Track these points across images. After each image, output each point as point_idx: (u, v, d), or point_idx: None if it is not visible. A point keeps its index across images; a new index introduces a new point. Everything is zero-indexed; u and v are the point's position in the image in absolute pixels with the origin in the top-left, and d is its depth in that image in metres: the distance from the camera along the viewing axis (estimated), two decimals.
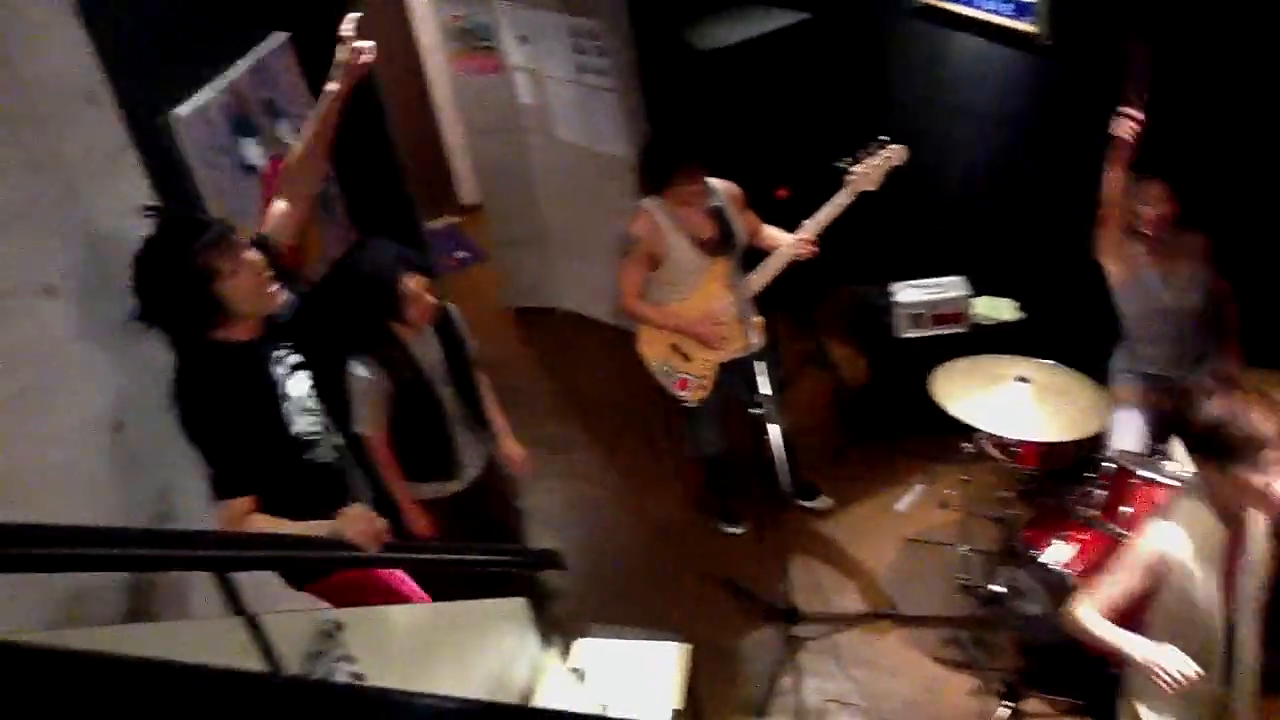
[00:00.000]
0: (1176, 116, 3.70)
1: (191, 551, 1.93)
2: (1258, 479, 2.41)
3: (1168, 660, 2.44)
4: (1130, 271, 3.82)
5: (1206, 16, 3.66)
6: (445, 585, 3.06)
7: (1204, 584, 2.57)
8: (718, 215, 3.92)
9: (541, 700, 2.97)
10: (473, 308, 6.46)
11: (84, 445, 2.58)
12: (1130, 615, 2.71)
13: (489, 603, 2.80)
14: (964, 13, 4.61)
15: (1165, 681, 2.42)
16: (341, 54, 2.92)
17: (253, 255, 2.61)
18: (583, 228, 5.92)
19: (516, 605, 2.88)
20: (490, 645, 2.86)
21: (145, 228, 2.54)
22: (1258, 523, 2.57)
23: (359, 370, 3.29)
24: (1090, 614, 2.68)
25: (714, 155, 4.00)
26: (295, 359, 2.84)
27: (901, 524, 4.58)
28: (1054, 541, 3.69)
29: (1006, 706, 3.65)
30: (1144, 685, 2.67)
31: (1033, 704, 3.65)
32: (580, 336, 6.16)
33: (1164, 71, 3.56)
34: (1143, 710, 2.75)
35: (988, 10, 4.48)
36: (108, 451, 2.64)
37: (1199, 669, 2.43)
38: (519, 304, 6.44)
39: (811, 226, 3.95)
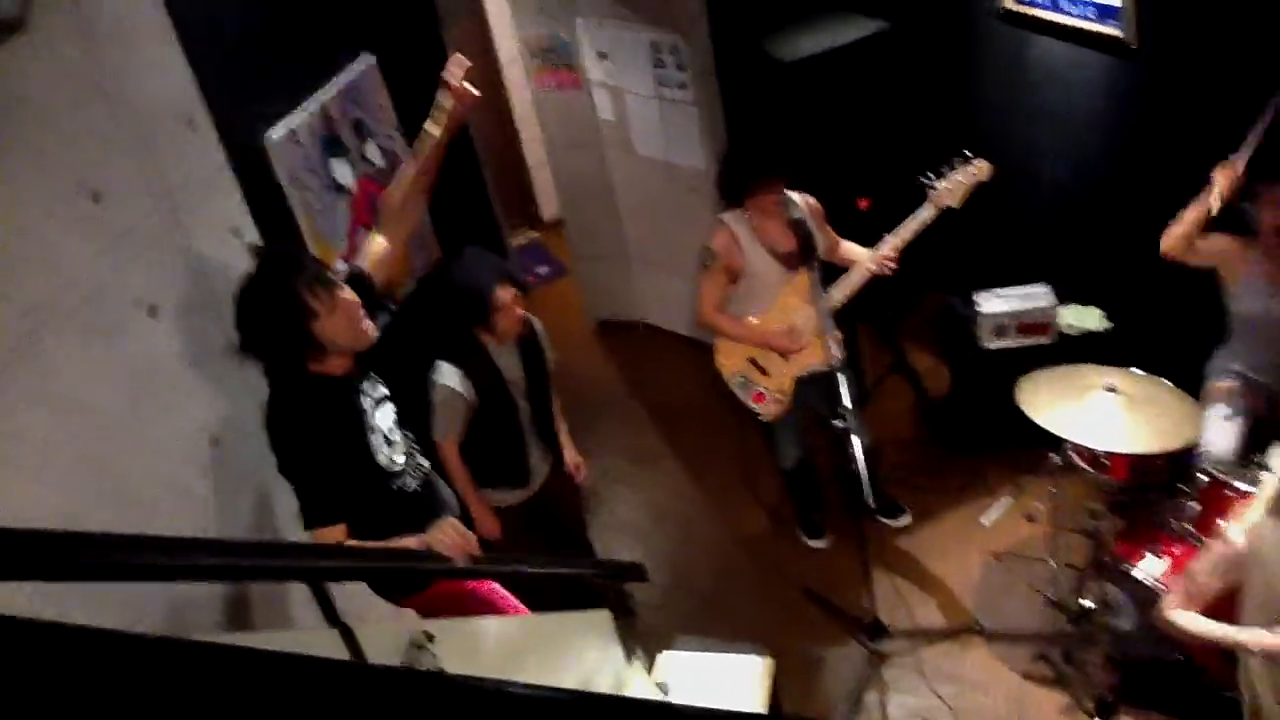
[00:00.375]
0: None
1: (290, 562, 1.98)
2: None
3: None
4: (1241, 273, 3.73)
5: None
6: (529, 597, 3.11)
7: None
8: (797, 228, 3.91)
9: None
10: (555, 321, 6.55)
11: (185, 459, 2.68)
12: (1218, 612, 2.69)
13: (574, 615, 2.84)
14: (1049, 18, 4.54)
15: None
16: (445, 99, 2.87)
17: (348, 295, 2.65)
18: (663, 241, 5.95)
19: (601, 618, 2.90)
20: (575, 658, 2.90)
21: (243, 254, 2.63)
22: None
23: (444, 378, 3.36)
24: (1187, 614, 2.66)
25: (795, 167, 4.00)
26: (382, 391, 2.90)
27: (987, 538, 4.51)
28: (1146, 555, 3.61)
29: None
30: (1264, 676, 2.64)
31: None
32: (662, 349, 6.19)
33: None
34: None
35: (1073, 15, 4.41)
36: (208, 466, 2.74)
37: None
38: (601, 317, 6.50)
39: (892, 242, 3.92)
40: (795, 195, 4.02)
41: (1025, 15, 4.68)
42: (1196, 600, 2.73)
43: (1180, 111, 4.16)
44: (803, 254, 3.94)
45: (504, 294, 3.31)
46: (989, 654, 4.01)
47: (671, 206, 5.75)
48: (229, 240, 2.87)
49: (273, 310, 2.53)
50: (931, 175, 3.83)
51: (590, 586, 3.39)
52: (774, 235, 3.97)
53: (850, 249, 4.14)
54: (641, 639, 3.77)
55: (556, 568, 2.98)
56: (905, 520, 4.65)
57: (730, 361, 4.21)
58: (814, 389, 4.09)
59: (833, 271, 4.10)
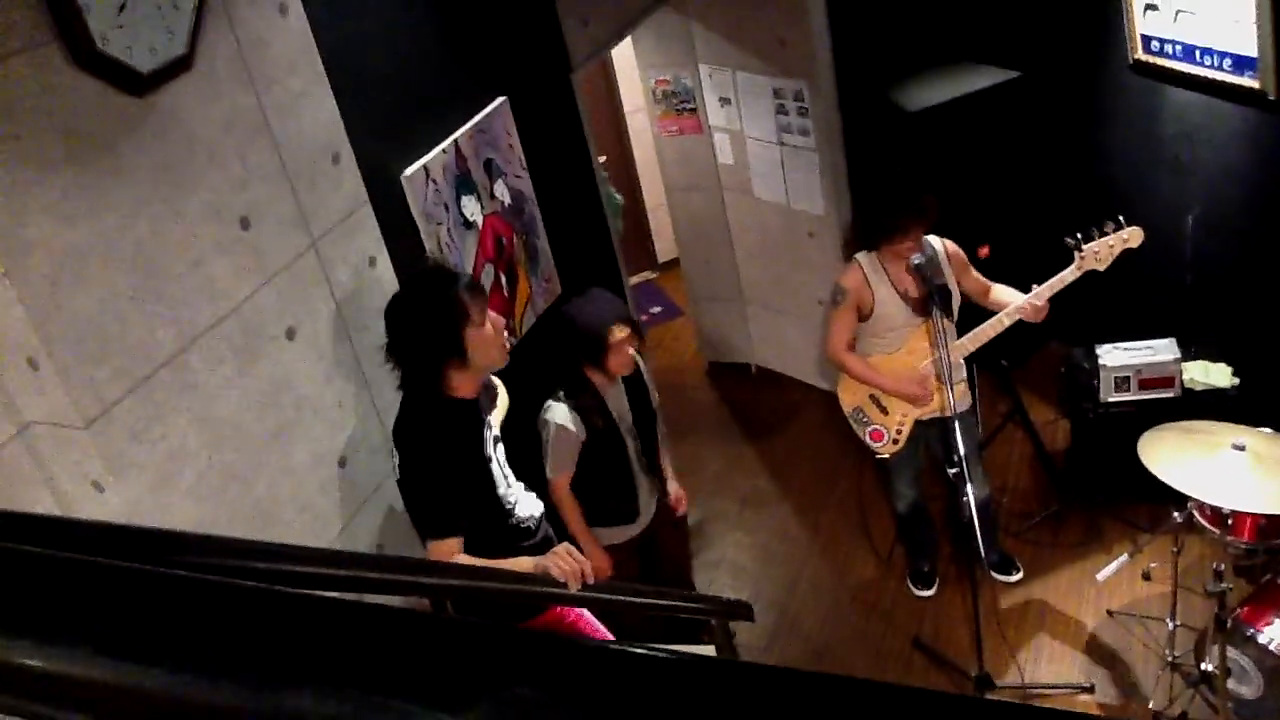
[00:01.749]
0: None
1: (414, 578, 2.06)
2: None
3: None
4: None
5: None
6: (632, 632, 3.16)
7: None
8: (922, 272, 3.90)
9: None
10: (668, 361, 6.67)
11: (313, 480, 2.80)
12: None
13: (680, 650, 2.87)
14: (1182, 69, 4.47)
15: None
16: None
17: (495, 313, 2.80)
18: (777, 285, 5.99)
19: (706, 654, 2.93)
20: None
21: (377, 282, 2.76)
22: None
23: (556, 416, 3.45)
24: None
25: (938, 213, 3.98)
26: (497, 431, 3.01)
27: (1103, 595, 4.40)
28: (1274, 620, 3.48)
29: None
30: None
31: None
32: (774, 392, 6.21)
33: None
34: None
35: (1207, 67, 4.34)
36: (334, 486, 2.86)
37: None
38: (714, 358, 6.55)
39: (1034, 299, 3.85)
40: (935, 240, 4.02)
41: (1157, 66, 4.62)
42: None
43: None
44: (932, 298, 3.94)
45: (619, 333, 3.40)
46: (1102, 715, 3.90)
47: (787, 251, 5.79)
48: (364, 270, 3.00)
49: (434, 307, 2.68)
50: (1079, 236, 3.78)
51: (693, 625, 3.42)
52: (906, 279, 3.97)
53: (1001, 293, 4.06)
54: None
55: (664, 600, 3.01)
56: (1017, 576, 4.56)
57: (851, 397, 4.21)
58: (934, 433, 4.07)
59: (967, 320, 4.07)
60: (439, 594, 2.01)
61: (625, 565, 3.66)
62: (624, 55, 6.63)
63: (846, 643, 4.46)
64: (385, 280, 3.07)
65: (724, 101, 5.71)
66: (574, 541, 3.35)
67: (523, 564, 2.65)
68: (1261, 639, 3.44)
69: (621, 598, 2.86)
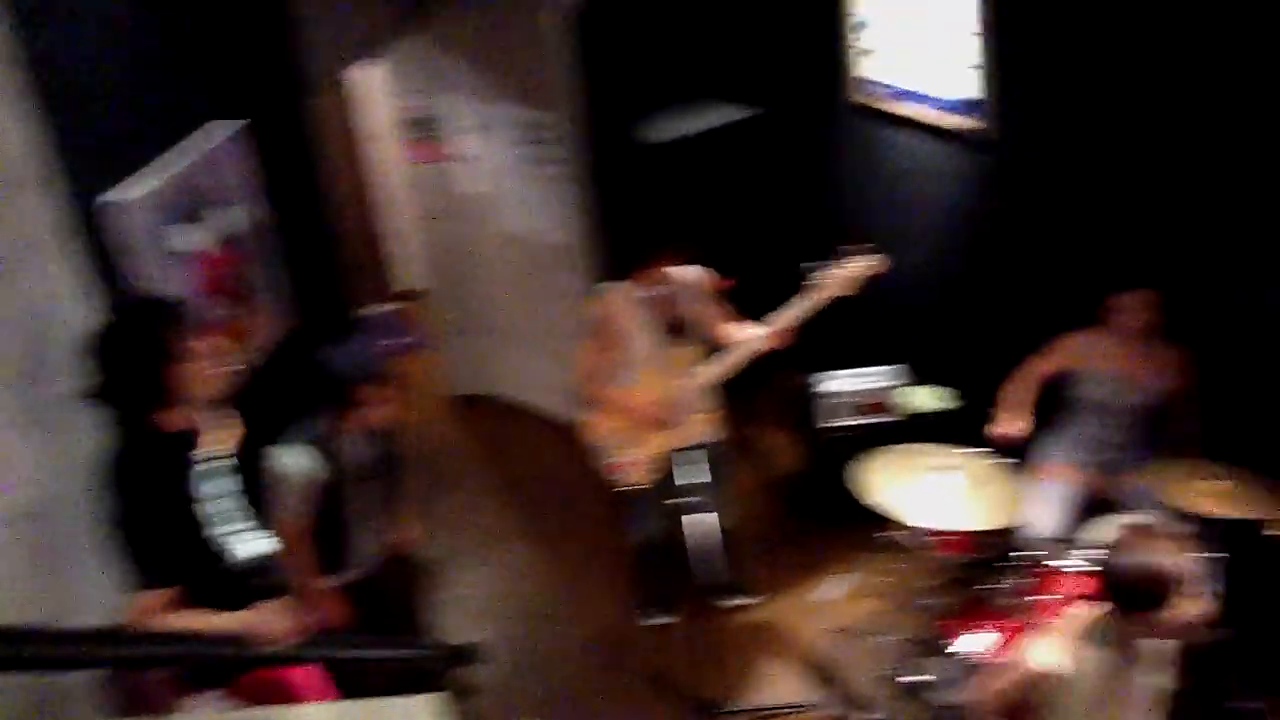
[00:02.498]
0: (1159, 227, 3.86)
1: (106, 650, 1.88)
2: (1168, 615, 2.52)
3: None
4: (1090, 365, 3.94)
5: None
6: (363, 681, 3.03)
7: (1090, 709, 2.65)
8: (678, 303, 3.95)
9: None
10: (414, 393, 6.50)
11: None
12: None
13: (401, 701, 2.75)
14: (897, 111, 4.74)
15: None
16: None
17: (208, 342, 2.65)
18: (526, 315, 5.97)
19: (434, 702, 2.83)
20: None
21: (76, 315, 2.56)
22: (1153, 651, 2.68)
23: (296, 461, 3.29)
24: None
25: (689, 244, 4.05)
26: (227, 462, 2.84)
27: (826, 614, 4.59)
28: (974, 630, 3.71)
29: None
30: None
31: None
32: (521, 426, 6.16)
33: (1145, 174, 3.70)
34: None
35: (928, 106, 4.59)
36: (11, 545, 2.61)
37: None
38: (460, 390, 6.45)
39: (780, 323, 3.95)
40: (685, 270, 4.07)
41: (875, 108, 4.89)
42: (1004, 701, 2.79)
43: (1033, 199, 4.37)
44: (683, 328, 3.99)
45: (377, 390, 3.29)
46: None
47: (537, 282, 5.78)
48: (68, 303, 2.78)
49: (137, 348, 2.52)
50: (817, 265, 3.89)
51: (424, 669, 3.32)
52: (656, 308, 4.00)
53: (738, 327, 4.15)
54: None
55: (379, 650, 2.89)
56: (753, 600, 4.68)
57: (598, 429, 4.21)
58: (679, 463, 4.13)
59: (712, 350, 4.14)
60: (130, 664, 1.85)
61: (356, 612, 3.53)
62: (365, 79, 6.48)
63: (588, 679, 4.44)
64: (80, 317, 2.84)
65: (472, 130, 5.66)
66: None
67: (231, 622, 2.50)
68: (962, 648, 3.66)
69: (333, 652, 2.74)
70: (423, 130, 5.82)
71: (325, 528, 3.42)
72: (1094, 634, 2.68)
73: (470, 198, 5.84)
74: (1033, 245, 4.42)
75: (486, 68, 5.36)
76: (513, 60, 5.23)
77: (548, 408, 6.08)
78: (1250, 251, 3.70)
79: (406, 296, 7.50)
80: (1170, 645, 2.73)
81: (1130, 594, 2.54)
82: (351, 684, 2.99)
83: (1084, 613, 2.74)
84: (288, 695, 2.84)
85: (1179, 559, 2.52)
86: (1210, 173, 3.71)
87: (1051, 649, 2.71)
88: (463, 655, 2.94)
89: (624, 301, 4.02)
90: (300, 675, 2.89)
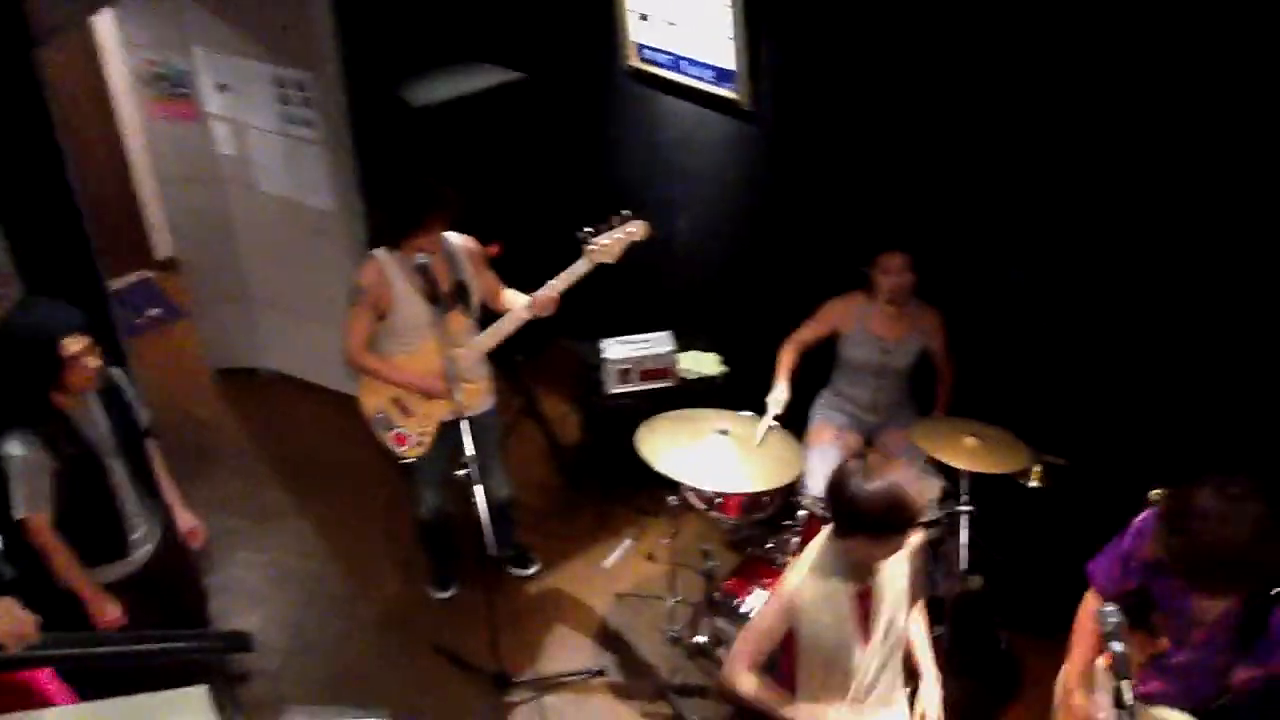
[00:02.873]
0: (912, 195, 4.01)
1: None
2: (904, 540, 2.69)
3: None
4: (854, 327, 4.08)
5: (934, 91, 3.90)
6: (126, 680, 2.79)
7: (834, 627, 2.76)
8: (426, 273, 3.82)
9: None
10: (170, 369, 6.10)
11: None
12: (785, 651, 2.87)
13: (162, 696, 2.55)
14: (671, 78, 4.76)
15: None
16: None
17: None
18: (289, 284, 5.68)
19: (197, 695, 2.64)
20: None
21: None
22: (890, 571, 2.82)
23: (14, 448, 2.97)
24: (744, 678, 2.81)
25: (459, 209, 3.91)
26: None
27: (612, 580, 4.61)
28: (755, 590, 3.80)
29: None
30: None
31: None
32: (288, 398, 5.87)
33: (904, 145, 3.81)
34: None
35: (691, 76, 4.64)
36: None
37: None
38: (221, 364, 6.08)
39: (547, 292, 3.90)
40: (454, 237, 3.95)
41: (650, 74, 4.88)
42: (759, 659, 2.86)
43: (790, 168, 4.48)
44: (454, 296, 3.87)
45: (74, 345, 2.97)
46: (612, 696, 4.07)
47: (297, 248, 5.50)
48: None
49: None
50: (589, 231, 3.84)
51: (191, 660, 3.10)
52: (426, 275, 3.84)
53: (508, 295, 4.10)
54: (257, 709, 3.51)
55: (134, 646, 2.67)
56: (534, 569, 4.66)
57: (373, 400, 4.05)
58: (457, 434, 4.01)
59: (488, 317, 4.06)
60: None
61: (129, 606, 3.26)
62: (113, 29, 5.97)
63: (369, 657, 4.30)
64: None
65: (222, 88, 5.29)
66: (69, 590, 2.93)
67: None
68: (744, 608, 3.74)
69: (78, 650, 2.51)
70: (168, 86, 5.41)
71: (79, 515, 3.12)
72: (831, 559, 2.80)
73: (227, 159, 5.49)
74: (796, 213, 4.53)
75: (236, 19, 5.02)
76: (265, 12, 4.92)
77: (319, 380, 5.82)
78: (995, 216, 3.91)
79: (162, 266, 7.02)
80: (906, 567, 2.88)
81: (870, 518, 2.62)
82: (110, 684, 2.75)
83: (823, 540, 2.84)
84: (33, 699, 2.59)
85: (914, 486, 2.64)
86: (957, 142, 3.88)
87: (798, 577, 2.81)
88: (233, 642, 2.75)
89: (394, 268, 3.87)
90: (46, 677, 2.63)
